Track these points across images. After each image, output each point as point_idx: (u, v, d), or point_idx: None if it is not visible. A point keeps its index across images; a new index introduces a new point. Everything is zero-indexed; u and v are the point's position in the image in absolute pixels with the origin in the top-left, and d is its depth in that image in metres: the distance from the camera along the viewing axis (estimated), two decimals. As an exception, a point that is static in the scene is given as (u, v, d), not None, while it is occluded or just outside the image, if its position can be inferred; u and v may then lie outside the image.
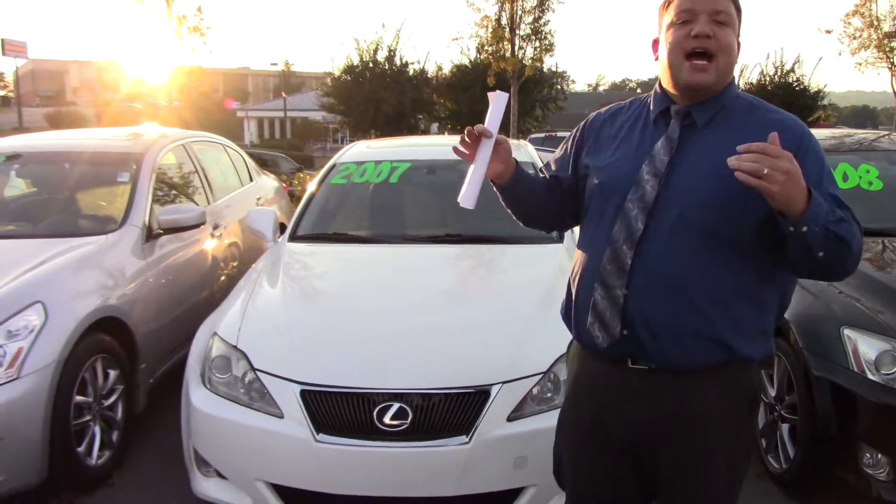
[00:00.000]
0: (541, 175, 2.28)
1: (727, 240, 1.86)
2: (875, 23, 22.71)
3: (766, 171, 1.62)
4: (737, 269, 1.89)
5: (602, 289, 1.95)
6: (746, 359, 1.94)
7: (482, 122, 2.05)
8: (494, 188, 2.20)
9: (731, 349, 1.91)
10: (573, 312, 2.09)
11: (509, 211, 2.28)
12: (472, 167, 2.05)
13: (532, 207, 2.26)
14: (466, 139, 2.04)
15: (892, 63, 22.88)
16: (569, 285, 2.13)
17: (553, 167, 2.27)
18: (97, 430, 3.78)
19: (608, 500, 2.12)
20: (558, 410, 2.88)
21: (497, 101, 2.05)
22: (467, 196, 2.05)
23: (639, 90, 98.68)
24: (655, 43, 2.03)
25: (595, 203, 2.07)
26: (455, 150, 2.06)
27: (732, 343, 1.91)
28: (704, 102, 1.94)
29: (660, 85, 2.04)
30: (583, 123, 2.22)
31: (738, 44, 1.94)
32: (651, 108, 2.04)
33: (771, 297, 1.98)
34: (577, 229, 2.27)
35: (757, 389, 2.05)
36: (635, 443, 2.03)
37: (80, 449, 3.62)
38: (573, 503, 2.23)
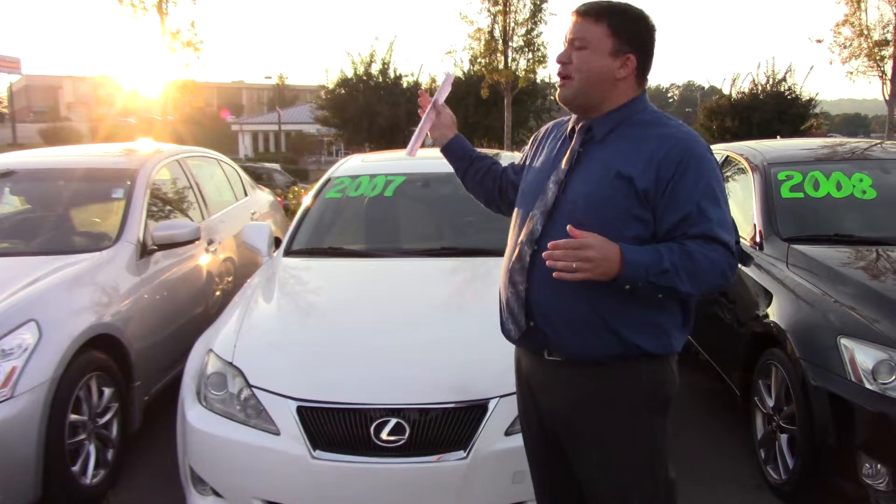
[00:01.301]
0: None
1: (605, 236, 1.96)
2: (865, 32, 22.81)
3: (574, 265, 1.90)
4: None
5: (510, 286, 2.21)
6: (642, 352, 2.09)
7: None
8: (445, 158, 2.67)
9: (624, 340, 2.07)
10: (498, 309, 2.34)
11: (472, 195, 2.72)
12: (419, 126, 2.57)
13: (478, 184, 2.66)
14: (419, 103, 2.61)
15: (883, 71, 22.95)
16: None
17: (514, 169, 2.58)
18: (92, 448, 3.75)
19: (551, 481, 2.39)
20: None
21: (446, 78, 2.66)
22: (409, 147, 2.53)
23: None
24: None
25: (515, 209, 2.35)
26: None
27: (624, 334, 2.07)
28: (602, 118, 2.15)
29: None
30: (535, 134, 2.48)
31: (625, 59, 2.10)
32: (568, 125, 2.28)
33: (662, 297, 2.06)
34: None
35: (664, 386, 2.16)
36: (557, 430, 2.25)
37: (75, 468, 3.60)
38: (534, 486, 2.49)
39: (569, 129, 2.26)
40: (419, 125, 2.56)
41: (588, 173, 2.12)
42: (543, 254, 1.96)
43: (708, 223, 2.00)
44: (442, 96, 2.61)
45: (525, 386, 2.36)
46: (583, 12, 2.13)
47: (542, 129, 2.46)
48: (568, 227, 1.94)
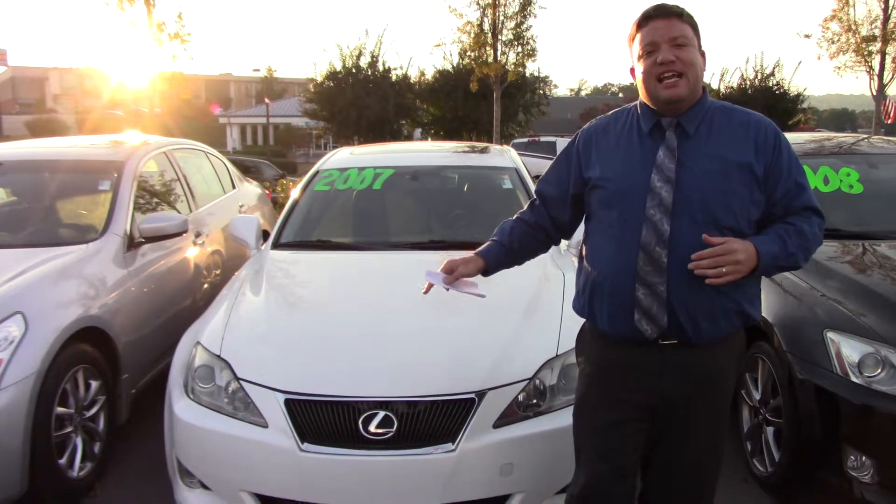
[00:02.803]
0: (535, 202, 2.65)
1: (737, 229, 2.20)
2: (853, 27, 22.91)
3: (725, 270, 2.10)
4: None
5: (644, 287, 2.23)
6: (747, 324, 2.33)
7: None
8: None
9: (747, 316, 2.31)
10: (606, 310, 2.34)
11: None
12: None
13: (522, 257, 2.71)
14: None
15: (871, 67, 23.08)
16: (591, 287, 2.39)
17: (549, 190, 2.59)
18: (79, 441, 3.74)
19: (622, 474, 2.39)
20: (544, 416, 2.90)
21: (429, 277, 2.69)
22: (431, 276, 2.67)
23: (621, 94, 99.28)
24: (632, 71, 2.37)
25: (605, 213, 2.36)
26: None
27: (749, 311, 2.30)
28: (689, 113, 2.26)
29: (642, 102, 2.36)
30: (576, 141, 2.51)
31: (703, 55, 2.29)
32: (641, 121, 2.34)
33: None
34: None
35: (744, 348, 2.47)
36: (659, 406, 2.34)
37: (62, 461, 3.59)
38: (591, 470, 2.43)
39: (647, 128, 2.31)
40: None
41: (701, 168, 2.22)
42: (691, 265, 2.13)
43: (806, 195, 2.28)
44: (440, 281, 2.66)
45: (618, 379, 2.37)
46: (667, 13, 2.24)
47: (582, 135, 2.49)
48: (703, 236, 2.12)
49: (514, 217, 2.68)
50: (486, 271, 2.67)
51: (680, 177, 2.21)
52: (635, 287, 2.24)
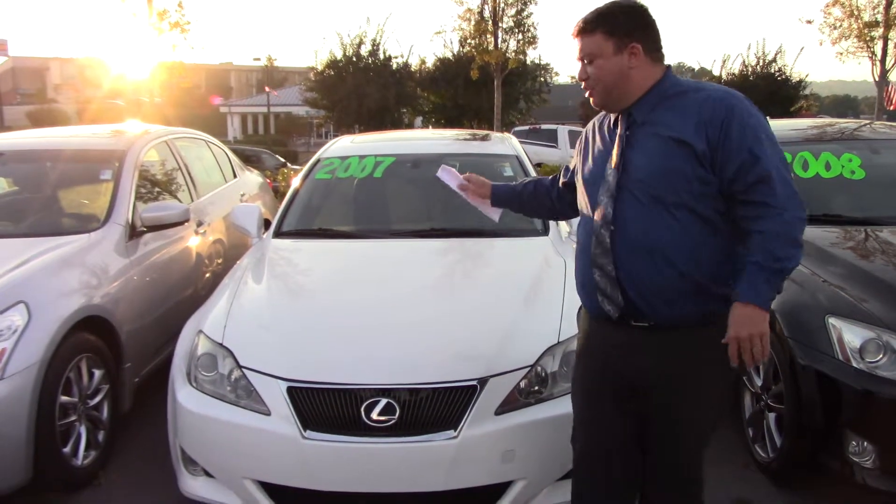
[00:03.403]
0: (557, 177, 2.91)
1: (681, 204, 2.25)
2: (855, 13, 22.79)
3: (755, 350, 2.15)
4: (693, 229, 2.26)
5: (598, 269, 2.39)
6: (726, 303, 2.22)
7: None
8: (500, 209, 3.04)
9: (712, 296, 2.28)
10: (583, 293, 2.53)
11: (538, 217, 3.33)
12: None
13: (528, 209, 3.05)
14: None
15: (873, 52, 22.97)
16: (574, 270, 2.59)
17: (564, 177, 2.86)
18: (83, 430, 3.75)
19: (611, 444, 2.52)
20: (546, 403, 2.91)
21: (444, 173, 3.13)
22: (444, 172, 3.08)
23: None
24: None
25: (580, 196, 2.55)
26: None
27: (714, 289, 2.28)
28: (639, 103, 2.36)
29: None
30: (583, 132, 2.68)
31: (631, 51, 2.32)
32: (611, 116, 2.49)
33: (730, 245, 2.30)
34: (563, 224, 2.69)
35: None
36: (637, 389, 2.41)
37: (66, 449, 3.60)
38: (581, 451, 2.62)
39: (612, 119, 2.46)
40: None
41: (644, 150, 2.32)
42: (733, 365, 2.20)
43: (761, 165, 2.19)
44: (454, 183, 3.08)
45: (601, 356, 2.50)
46: (579, 31, 2.38)
47: (588, 127, 2.64)
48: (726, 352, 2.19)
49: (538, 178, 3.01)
50: (493, 198, 2.99)
51: (626, 161, 2.34)
52: (592, 270, 2.41)
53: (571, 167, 2.77)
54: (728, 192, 2.24)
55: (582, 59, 2.38)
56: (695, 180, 2.24)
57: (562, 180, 2.86)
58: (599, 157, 2.46)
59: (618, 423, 2.50)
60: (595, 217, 2.39)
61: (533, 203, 2.97)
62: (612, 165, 2.36)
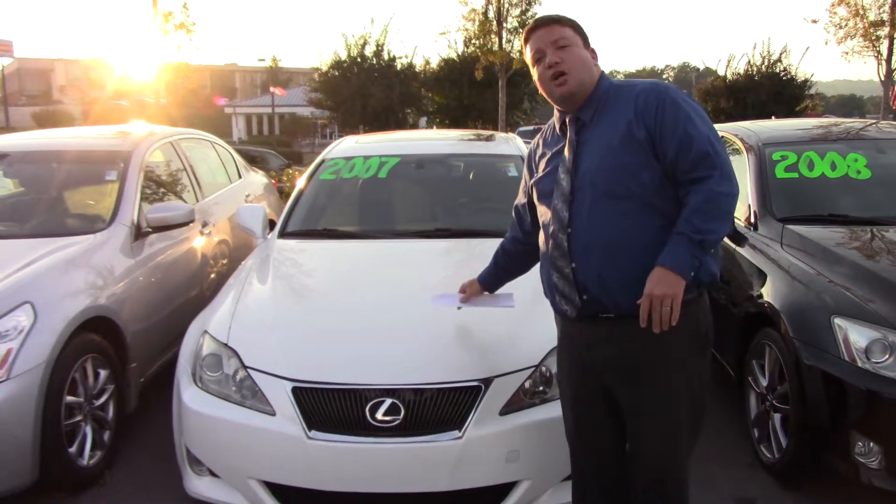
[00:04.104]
0: (512, 222, 2.96)
1: (632, 196, 2.33)
2: (861, 12, 22.78)
3: (664, 309, 2.20)
4: (647, 220, 2.33)
5: (555, 271, 2.48)
6: (686, 290, 2.27)
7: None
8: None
9: None
10: (548, 295, 2.61)
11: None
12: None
13: (516, 265, 3.06)
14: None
15: (878, 52, 22.96)
16: (541, 274, 2.65)
17: (520, 199, 2.88)
18: (88, 430, 3.75)
19: (600, 444, 2.59)
20: (550, 404, 2.92)
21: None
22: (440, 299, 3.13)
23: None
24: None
25: (540, 213, 2.62)
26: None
27: None
28: (584, 105, 2.44)
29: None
30: (528, 152, 2.79)
31: (593, 52, 2.51)
32: (556, 124, 2.58)
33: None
34: None
35: (702, 325, 2.45)
36: (612, 380, 2.46)
37: (72, 449, 3.60)
38: (574, 451, 2.70)
39: (558, 127, 2.57)
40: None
41: (592, 150, 2.40)
42: (654, 329, 2.24)
43: (698, 142, 2.27)
44: (454, 301, 3.19)
45: (576, 352, 2.55)
46: (547, 21, 2.48)
47: (532, 144, 2.77)
48: (638, 302, 2.24)
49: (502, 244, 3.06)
50: (485, 285, 3.12)
51: (577, 164, 2.42)
52: (551, 273, 2.51)
53: (522, 189, 2.87)
54: (672, 174, 2.31)
55: (554, 42, 2.42)
56: (642, 170, 2.31)
57: (521, 200, 2.88)
58: (550, 167, 2.53)
59: (603, 421, 2.55)
60: (552, 223, 2.48)
61: (514, 257, 3.02)
62: (565, 170, 2.43)
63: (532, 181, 2.66)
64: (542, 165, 2.61)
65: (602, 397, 2.51)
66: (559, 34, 2.43)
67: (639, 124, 2.32)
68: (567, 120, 2.49)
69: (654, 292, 2.21)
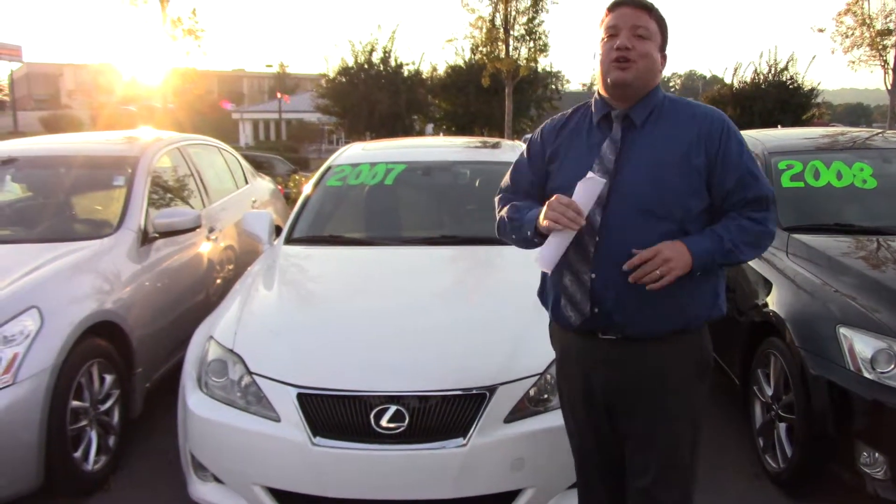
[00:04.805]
0: (513, 201, 2.54)
1: (673, 219, 2.21)
2: (867, 21, 22.77)
3: (658, 272, 2.11)
4: None
5: (571, 275, 2.30)
6: (699, 323, 2.30)
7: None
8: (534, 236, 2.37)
9: (687, 315, 2.27)
10: (548, 295, 2.46)
11: None
12: (559, 235, 2.19)
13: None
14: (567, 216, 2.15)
15: (885, 61, 22.94)
16: (541, 275, 2.49)
17: (523, 186, 2.53)
18: (94, 434, 3.77)
19: (604, 454, 2.47)
20: (555, 412, 2.92)
21: (590, 185, 2.17)
22: (547, 259, 2.23)
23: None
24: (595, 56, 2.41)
25: None
26: (557, 220, 2.16)
27: (690, 309, 2.27)
28: (637, 105, 2.30)
29: (598, 93, 2.39)
30: (537, 136, 2.52)
31: (664, 56, 2.34)
32: (593, 114, 2.38)
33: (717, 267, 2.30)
34: None
35: (704, 351, 2.38)
36: (611, 404, 2.36)
37: (77, 454, 3.62)
38: (578, 463, 2.59)
39: (596, 120, 2.35)
40: (559, 235, 2.21)
41: (641, 160, 2.25)
42: (631, 277, 2.14)
43: (759, 185, 2.24)
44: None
45: (575, 367, 2.43)
46: (637, 4, 2.28)
47: (544, 128, 2.50)
48: (633, 250, 2.14)
49: (508, 206, 2.53)
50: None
51: (619, 168, 2.25)
52: (563, 274, 2.31)
53: (516, 178, 2.56)
54: (720, 204, 2.25)
55: (635, 27, 2.24)
56: (690, 197, 2.22)
57: (511, 189, 2.58)
58: (581, 160, 2.30)
59: (605, 434, 2.44)
60: None
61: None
62: (604, 171, 2.24)
63: (553, 169, 2.41)
64: (568, 157, 2.38)
65: (606, 412, 2.40)
66: (643, 22, 2.26)
67: (699, 150, 2.22)
68: (613, 115, 2.32)
69: (665, 253, 2.11)
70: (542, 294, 2.52)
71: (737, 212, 2.24)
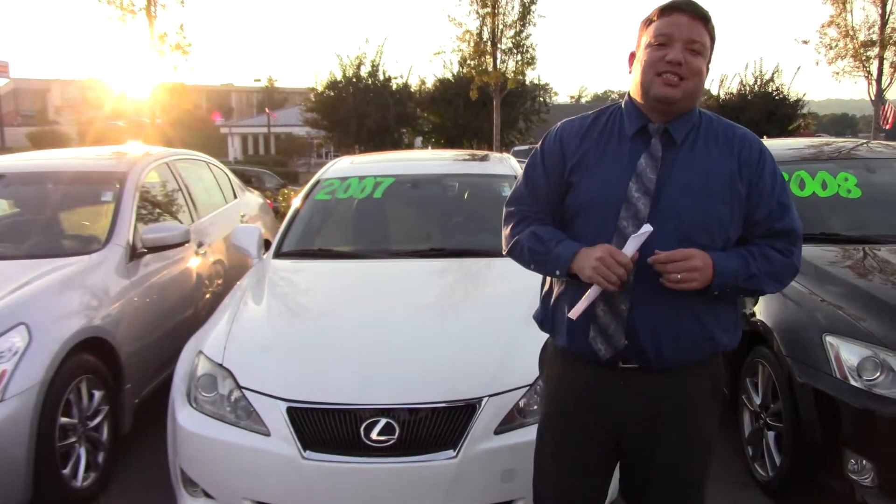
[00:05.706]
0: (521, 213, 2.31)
1: (714, 249, 2.06)
2: (851, 33, 22.96)
3: (680, 276, 1.98)
4: None
5: (605, 304, 2.09)
6: (725, 350, 2.21)
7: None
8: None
9: (716, 344, 2.16)
10: (560, 325, 2.23)
11: None
12: (594, 288, 2.06)
13: None
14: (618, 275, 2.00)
15: (869, 72, 23.12)
16: (555, 297, 2.27)
17: (538, 197, 2.27)
18: (82, 451, 3.75)
19: (590, 487, 2.31)
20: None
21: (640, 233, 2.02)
22: (580, 310, 2.08)
23: (621, 101, 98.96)
24: (632, 57, 2.20)
25: (582, 219, 2.17)
26: (607, 279, 2.01)
27: (718, 338, 2.16)
28: (678, 121, 2.12)
29: (631, 99, 2.19)
30: (554, 141, 2.25)
31: (707, 69, 2.13)
32: (626, 123, 2.17)
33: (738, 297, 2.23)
34: None
35: (722, 374, 2.30)
36: (625, 432, 2.21)
37: (66, 471, 3.60)
38: (560, 496, 2.35)
39: (630, 132, 2.14)
40: (599, 288, 2.06)
41: (681, 183, 2.07)
42: (649, 259, 2.00)
43: (790, 216, 2.14)
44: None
45: (584, 397, 2.23)
46: (696, 13, 2.07)
47: (562, 133, 2.25)
48: (655, 251, 2.00)
49: (528, 233, 2.26)
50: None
51: (660, 189, 2.07)
52: (596, 302, 2.08)
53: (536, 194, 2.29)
54: (747, 232, 2.14)
55: (689, 41, 2.04)
56: (730, 225, 2.10)
57: (537, 217, 2.29)
58: (612, 175, 2.11)
59: (594, 472, 2.30)
60: (613, 244, 2.05)
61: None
62: (643, 190, 2.06)
63: (578, 180, 2.17)
64: (587, 166, 2.16)
65: (609, 441, 2.24)
66: (699, 36, 2.05)
67: (742, 176, 2.09)
68: (651, 129, 2.12)
69: (695, 262, 1.98)
70: (544, 322, 2.33)
71: (763, 241, 2.14)
